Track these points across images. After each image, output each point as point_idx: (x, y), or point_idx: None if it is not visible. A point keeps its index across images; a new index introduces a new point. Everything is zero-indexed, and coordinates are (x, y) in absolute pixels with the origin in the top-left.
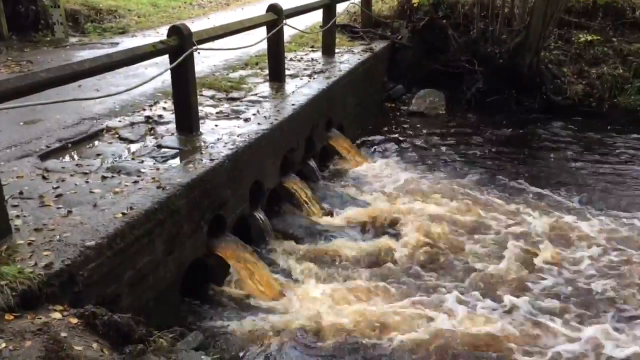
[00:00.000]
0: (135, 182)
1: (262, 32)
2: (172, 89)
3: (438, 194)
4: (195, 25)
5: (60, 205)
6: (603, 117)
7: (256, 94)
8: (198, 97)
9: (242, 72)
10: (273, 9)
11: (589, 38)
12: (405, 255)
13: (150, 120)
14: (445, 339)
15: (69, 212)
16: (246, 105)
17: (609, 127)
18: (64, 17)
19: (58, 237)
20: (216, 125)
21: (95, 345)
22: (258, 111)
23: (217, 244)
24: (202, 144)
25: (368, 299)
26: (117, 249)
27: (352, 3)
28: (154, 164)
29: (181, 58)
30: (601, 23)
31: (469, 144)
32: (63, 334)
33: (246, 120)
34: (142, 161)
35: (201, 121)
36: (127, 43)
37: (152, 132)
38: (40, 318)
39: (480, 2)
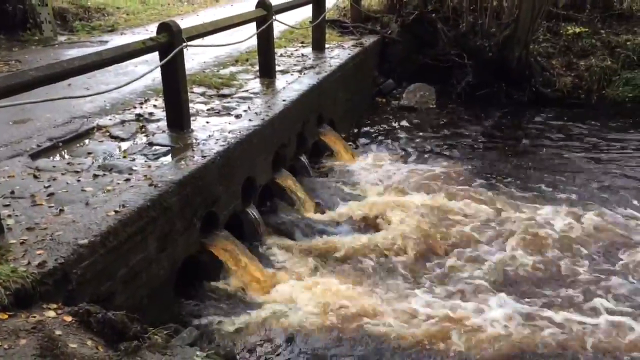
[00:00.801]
0: (127, 180)
1: (252, 28)
2: (162, 86)
3: (430, 187)
4: (185, 22)
5: (52, 204)
6: (592, 108)
7: (247, 90)
8: (189, 94)
9: (233, 69)
10: (262, 4)
11: (577, 30)
12: (396, 248)
13: (141, 118)
14: (436, 333)
15: (61, 210)
16: (237, 101)
17: (597, 119)
18: (52, 15)
19: (51, 235)
20: (207, 122)
21: (89, 342)
22: (249, 107)
23: (210, 240)
24: (194, 141)
25: (361, 293)
26: (110, 247)
27: None
28: (146, 161)
29: (171, 55)
30: (589, 15)
31: (460, 137)
32: (57, 332)
33: (237, 116)
34: (134, 159)
35: (192, 118)
36: (116, 41)
37: (143, 129)
38: (35, 316)
39: None
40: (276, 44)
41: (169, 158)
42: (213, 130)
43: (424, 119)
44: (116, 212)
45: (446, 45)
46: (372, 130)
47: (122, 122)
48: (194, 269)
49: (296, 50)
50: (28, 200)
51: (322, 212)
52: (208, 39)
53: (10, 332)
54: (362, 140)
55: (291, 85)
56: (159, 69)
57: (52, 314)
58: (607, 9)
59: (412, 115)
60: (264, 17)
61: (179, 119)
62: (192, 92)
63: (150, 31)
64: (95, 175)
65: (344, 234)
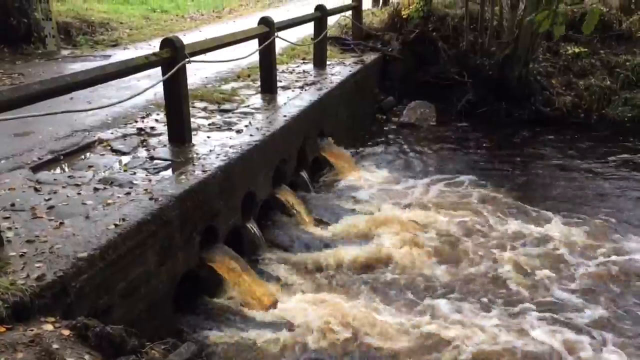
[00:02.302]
0: (128, 193)
1: (254, 44)
2: (164, 101)
3: (429, 204)
4: (188, 38)
5: (52, 217)
6: (591, 128)
7: (248, 106)
8: (190, 108)
9: (234, 84)
10: (265, 21)
11: (577, 50)
12: (396, 264)
13: (143, 132)
14: (435, 346)
15: (61, 223)
16: (238, 116)
17: (596, 138)
18: (56, 30)
19: (50, 248)
20: (208, 137)
21: (87, 357)
22: (250, 123)
23: (210, 255)
24: (195, 155)
25: (361, 308)
26: (110, 261)
27: (343, 16)
28: (146, 175)
29: (173, 70)
30: (589, 36)
31: (459, 154)
32: (55, 346)
33: (238, 131)
34: (135, 173)
35: (193, 133)
36: (119, 55)
37: (144, 143)
38: (32, 330)
39: (469, 15)
40: (278, 60)
41: (169, 172)
42: (214, 145)
43: (423, 136)
44: (116, 225)
45: (447, 63)
46: (372, 147)
47: (124, 136)
48: (193, 284)
49: (298, 66)
50: (28, 212)
51: (322, 227)
52: (210, 55)
53: (8, 345)
54: (363, 156)
55: (292, 101)
56: (161, 84)
57: (50, 327)
58: (606, 29)
59: (412, 132)
60: (266, 33)
61: (180, 133)
62: (194, 107)
63: (153, 46)
64: (96, 189)
65: (344, 249)
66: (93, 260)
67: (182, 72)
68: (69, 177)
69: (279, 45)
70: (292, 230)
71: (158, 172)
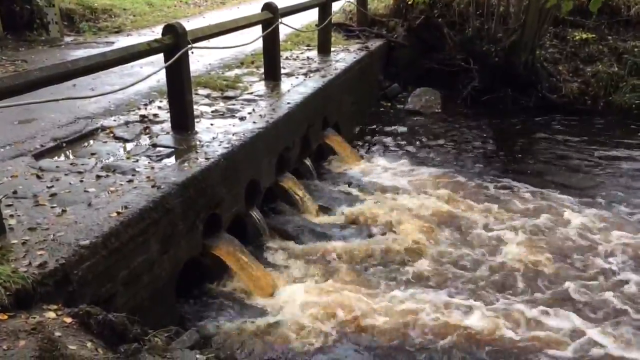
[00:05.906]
0: (130, 181)
1: (257, 30)
2: (167, 88)
3: (434, 192)
4: (191, 24)
5: (55, 205)
6: (598, 115)
7: (252, 93)
8: (193, 95)
9: (238, 71)
10: (268, 7)
11: (584, 36)
12: (400, 253)
13: (146, 119)
14: (438, 335)
15: (64, 211)
16: (242, 104)
17: (604, 125)
18: (59, 16)
19: (52, 236)
20: (211, 124)
21: (89, 344)
22: (254, 110)
23: (213, 243)
24: (198, 142)
25: (364, 296)
26: (112, 248)
27: (348, 2)
28: (149, 163)
29: (176, 57)
30: (596, 21)
31: (465, 142)
32: (57, 334)
33: (242, 119)
34: (137, 160)
35: (196, 120)
36: (122, 42)
37: (147, 131)
38: (35, 317)
39: (475, 1)
40: (282, 47)
41: (172, 160)
42: (217, 132)
43: (429, 124)
44: (118, 213)
45: (452, 49)
46: (377, 134)
47: (127, 123)
48: (196, 272)
49: (302, 53)
50: (30, 200)
51: (326, 215)
52: (213, 41)
53: (10, 333)
54: (367, 144)
55: (296, 88)
56: (164, 71)
57: (52, 315)
58: (614, 15)
59: (417, 119)
60: (269, 19)
61: (183, 120)
62: (197, 94)
63: (156, 32)
64: (99, 176)
65: (348, 237)
66: (95, 248)
67: (185, 58)
68: (71, 164)
69: (283, 31)
70: (295, 218)
71: (161, 159)
